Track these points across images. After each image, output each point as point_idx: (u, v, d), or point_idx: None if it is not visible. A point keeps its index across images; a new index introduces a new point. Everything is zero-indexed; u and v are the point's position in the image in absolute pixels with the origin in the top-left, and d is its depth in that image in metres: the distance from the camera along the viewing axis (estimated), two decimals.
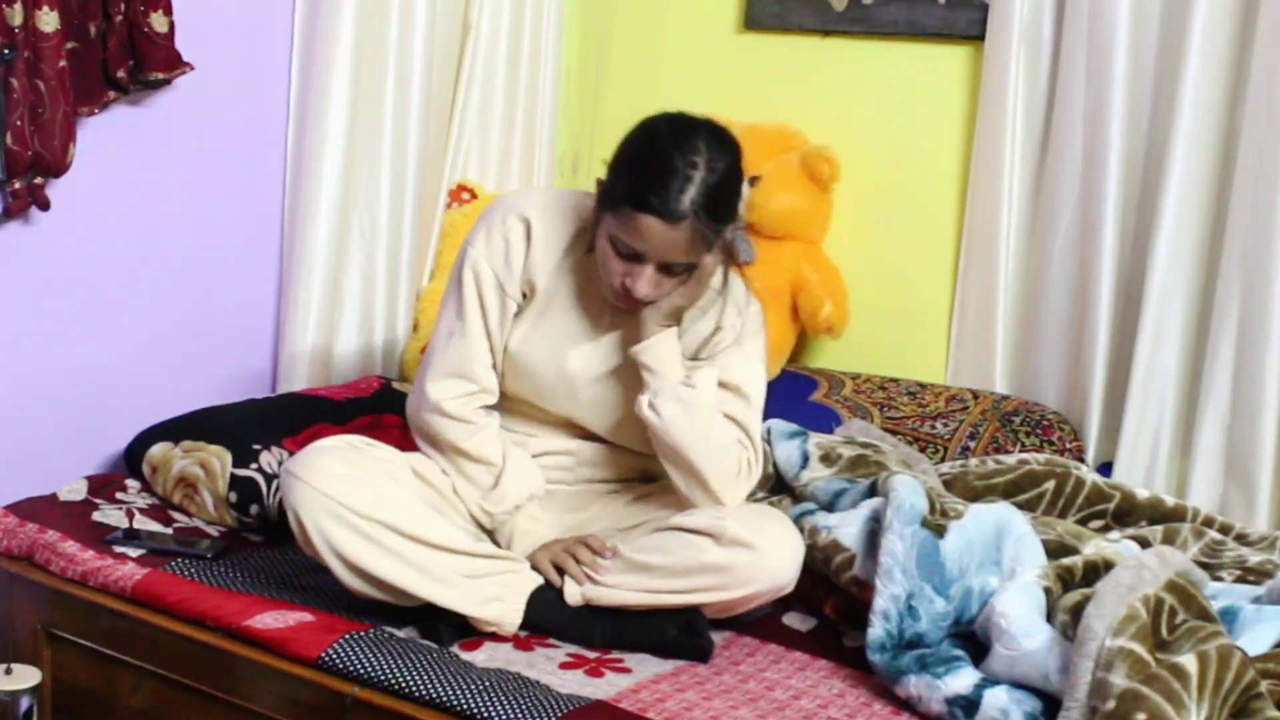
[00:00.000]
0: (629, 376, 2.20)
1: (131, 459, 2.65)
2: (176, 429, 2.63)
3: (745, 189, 3.04)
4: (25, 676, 2.14)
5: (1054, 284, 2.86)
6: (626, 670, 2.06)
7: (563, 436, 2.29)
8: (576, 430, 2.29)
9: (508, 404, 2.29)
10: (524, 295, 2.22)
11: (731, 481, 2.15)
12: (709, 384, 2.16)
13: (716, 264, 2.14)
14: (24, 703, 2.12)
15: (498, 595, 2.12)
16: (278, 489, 2.44)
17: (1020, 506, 2.35)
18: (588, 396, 2.24)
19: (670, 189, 1.99)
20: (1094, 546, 2.18)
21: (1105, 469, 2.73)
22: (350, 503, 2.07)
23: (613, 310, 2.18)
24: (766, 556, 2.08)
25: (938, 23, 3.00)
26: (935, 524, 2.11)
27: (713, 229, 2.03)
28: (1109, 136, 2.72)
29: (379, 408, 2.86)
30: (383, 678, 1.99)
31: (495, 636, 2.13)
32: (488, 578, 2.12)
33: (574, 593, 2.13)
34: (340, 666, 2.02)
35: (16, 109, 2.40)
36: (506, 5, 3.20)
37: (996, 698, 1.89)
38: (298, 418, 2.71)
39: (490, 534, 2.25)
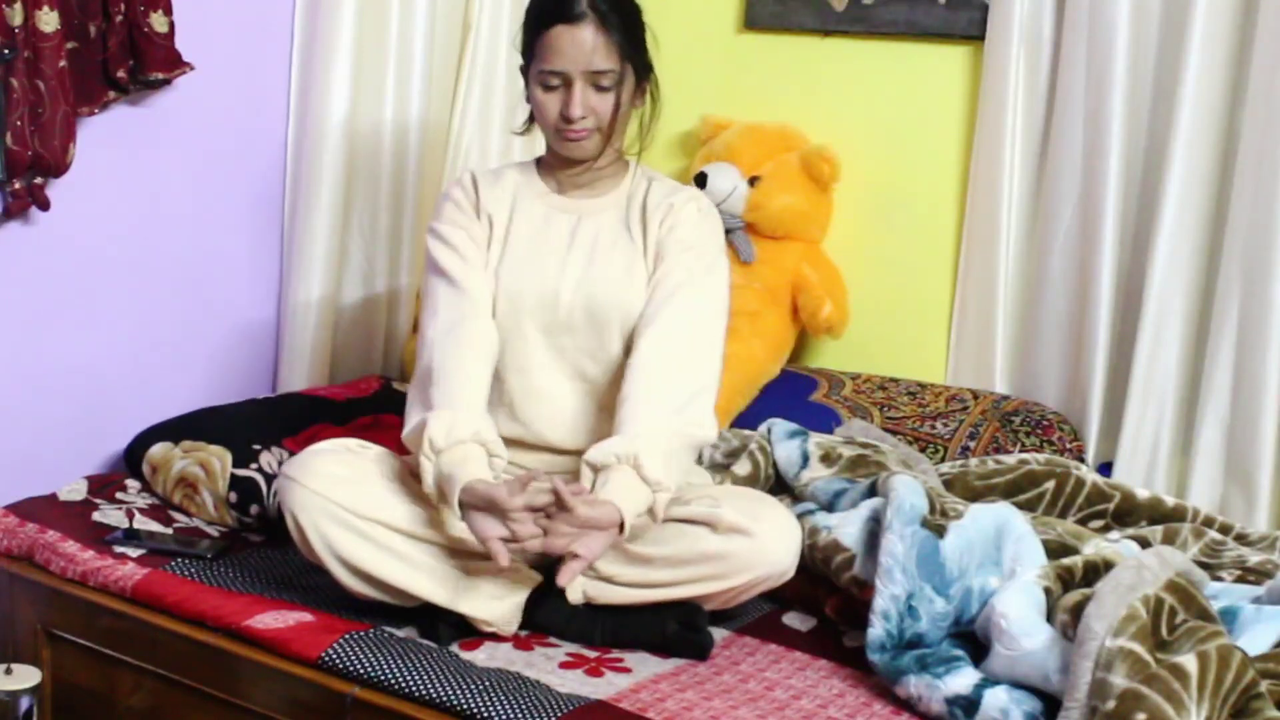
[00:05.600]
0: (601, 261, 2.26)
1: (131, 459, 2.65)
2: (176, 429, 2.63)
3: (744, 188, 3.06)
4: (25, 676, 2.14)
5: (1054, 284, 2.86)
6: (626, 670, 2.06)
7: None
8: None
9: (503, 388, 2.28)
10: (489, 229, 2.30)
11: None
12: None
13: (630, 103, 2.26)
14: (24, 703, 2.12)
15: (497, 594, 2.13)
16: (277, 490, 2.44)
17: (1020, 506, 2.35)
18: (573, 290, 2.24)
19: None
20: (1094, 546, 2.18)
21: (1105, 469, 2.73)
22: (348, 504, 2.08)
23: (563, 213, 2.29)
24: (764, 542, 2.09)
25: (938, 23, 3.00)
26: (935, 524, 2.11)
27: (615, 29, 2.18)
28: (1109, 136, 2.72)
29: (379, 408, 2.86)
30: (383, 678, 1.99)
31: (495, 636, 2.13)
32: (487, 576, 2.13)
33: (575, 591, 2.14)
34: (340, 666, 2.02)
35: (16, 109, 2.40)
36: (506, 5, 3.20)
37: (996, 698, 1.89)
38: (298, 418, 2.71)
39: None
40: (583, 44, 2.18)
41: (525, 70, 2.27)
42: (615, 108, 2.23)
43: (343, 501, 2.08)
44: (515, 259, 2.27)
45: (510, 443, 2.24)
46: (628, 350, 2.24)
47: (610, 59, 2.19)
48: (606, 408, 2.23)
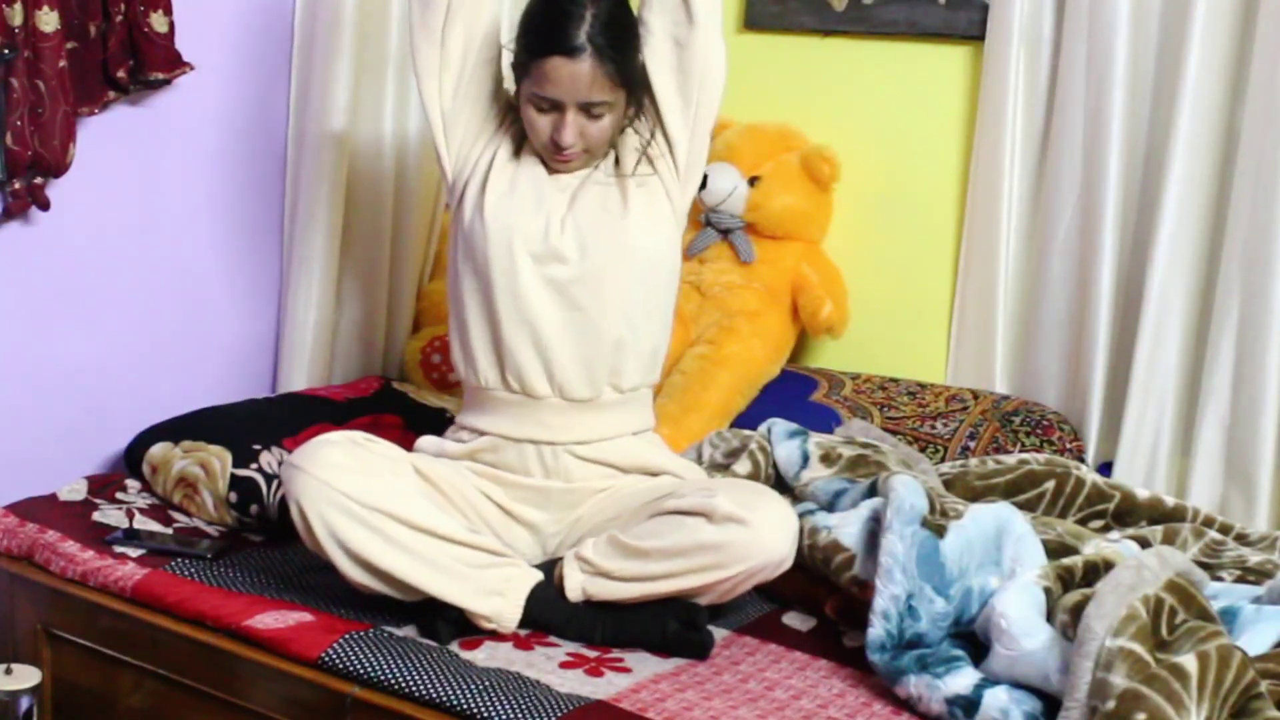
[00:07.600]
0: (595, 202, 2.26)
1: (131, 459, 2.65)
2: (176, 429, 2.63)
3: (744, 188, 3.06)
4: (25, 676, 2.14)
5: (1054, 284, 2.86)
6: (626, 670, 2.06)
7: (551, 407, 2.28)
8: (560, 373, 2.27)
9: (495, 319, 2.26)
10: (504, 153, 2.31)
11: None
12: None
13: (621, 119, 2.26)
14: (24, 703, 2.12)
15: (498, 590, 2.13)
16: (278, 488, 2.45)
17: (1020, 506, 2.35)
18: (569, 231, 2.24)
19: (566, 29, 2.15)
20: (1094, 546, 2.18)
21: (1105, 469, 2.73)
22: (353, 493, 2.08)
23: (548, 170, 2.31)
24: (760, 531, 2.09)
25: (938, 23, 3.00)
26: (935, 524, 2.11)
27: (612, 62, 2.17)
28: (1109, 136, 2.72)
29: (379, 408, 2.86)
30: (383, 678, 1.99)
31: (495, 635, 2.14)
32: (489, 570, 2.13)
33: (575, 586, 2.14)
34: (340, 666, 2.02)
35: (16, 109, 2.40)
36: (506, 4, 3.20)
37: (996, 698, 1.89)
38: (297, 418, 2.71)
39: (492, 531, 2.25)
40: (579, 77, 2.16)
41: (517, 78, 2.25)
42: (607, 130, 2.23)
43: (348, 490, 2.08)
44: (516, 193, 2.26)
45: (500, 402, 2.26)
46: (618, 281, 2.25)
47: (606, 91, 2.19)
48: (599, 340, 2.24)
